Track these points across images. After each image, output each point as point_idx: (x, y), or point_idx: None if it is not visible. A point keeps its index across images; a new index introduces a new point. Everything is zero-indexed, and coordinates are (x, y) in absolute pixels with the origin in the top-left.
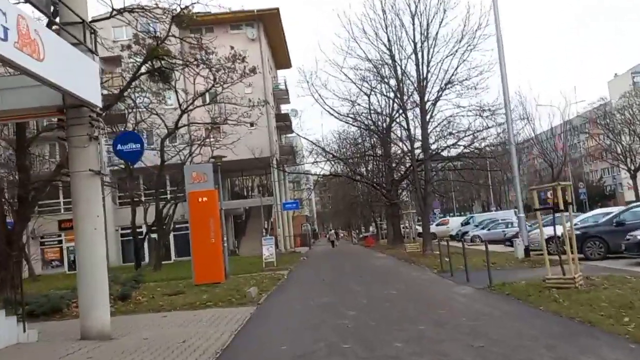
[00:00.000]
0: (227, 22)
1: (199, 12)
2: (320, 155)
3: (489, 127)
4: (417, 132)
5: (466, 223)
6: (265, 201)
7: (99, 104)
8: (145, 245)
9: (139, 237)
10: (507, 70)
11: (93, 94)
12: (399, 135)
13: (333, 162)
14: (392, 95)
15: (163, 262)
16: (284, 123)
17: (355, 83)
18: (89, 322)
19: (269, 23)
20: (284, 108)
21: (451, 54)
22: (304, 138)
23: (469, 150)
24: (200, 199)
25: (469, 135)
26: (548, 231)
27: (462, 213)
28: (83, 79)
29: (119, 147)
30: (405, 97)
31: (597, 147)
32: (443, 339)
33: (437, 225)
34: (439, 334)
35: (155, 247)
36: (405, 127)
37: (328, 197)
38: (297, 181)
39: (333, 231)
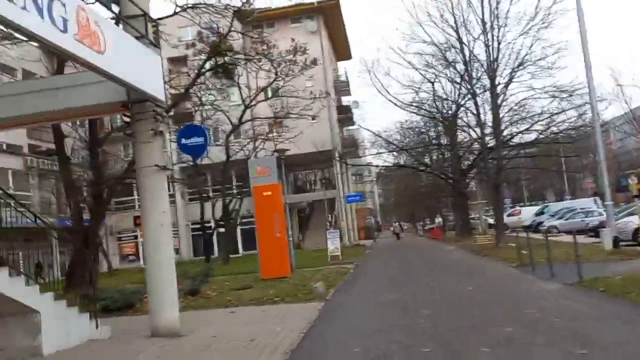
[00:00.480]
0: (287, 15)
1: (259, 8)
2: (383, 147)
3: (565, 110)
4: (486, 118)
5: (540, 213)
6: (328, 194)
7: (163, 98)
8: (215, 239)
9: (208, 231)
10: (589, 47)
11: (156, 88)
12: (467, 122)
13: (396, 154)
14: (458, 79)
15: (231, 256)
16: (345, 115)
17: (418, 70)
18: (158, 319)
19: (329, 15)
20: (345, 100)
21: (524, 33)
22: (366, 129)
23: (544, 135)
24: (264, 193)
25: (545, 119)
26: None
27: (534, 203)
28: (146, 72)
29: (182, 141)
30: (474, 81)
31: None
32: (537, 344)
33: (508, 215)
34: (531, 338)
35: (223, 241)
36: (475, 112)
37: (391, 190)
38: (359, 174)
39: (397, 223)
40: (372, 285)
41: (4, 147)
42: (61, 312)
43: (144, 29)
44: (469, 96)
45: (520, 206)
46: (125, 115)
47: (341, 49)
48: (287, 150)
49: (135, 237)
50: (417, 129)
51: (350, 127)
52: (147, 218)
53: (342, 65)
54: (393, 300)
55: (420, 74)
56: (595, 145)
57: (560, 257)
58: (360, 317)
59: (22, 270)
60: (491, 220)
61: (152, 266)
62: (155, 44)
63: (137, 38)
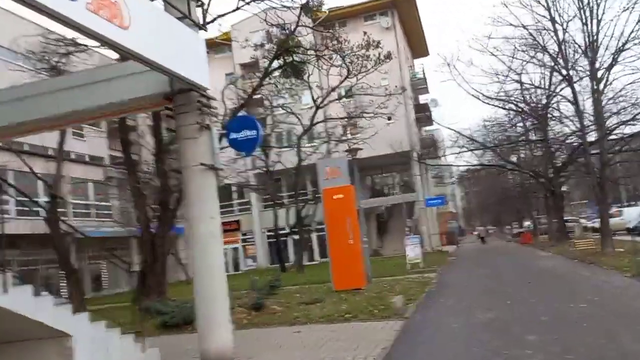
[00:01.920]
0: (360, 13)
1: (331, 7)
2: (465, 146)
3: None
4: (585, 107)
5: None
6: (407, 198)
7: (208, 86)
8: (290, 246)
9: (281, 238)
10: None
11: (200, 75)
12: (561, 113)
13: (480, 153)
14: (551, 65)
15: (307, 263)
16: (423, 114)
17: (503, 57)
18: (207, 343)
19: (403, 9)
20: (423, 98)
21: (628, 8)
22: (447, 127)
23: None
24: (335, 196)
25: None
26: None
27: (633, 203)
28: (188, 57)
29: (232, 135)
30: (570, 65)
31: None
32: None
33: None
34: None
35: (297, 248)
36: (572, 100)
37: (474, 192)
38: (440, 176)
39: (483, 228)
40: (459, 300)
41: (87, 158)
42: (99, 335)
43: (187, 8)
44: (564, 83)
45: (619, 207)
46: (168, 109)
47: (417, 45)
48: (359, 149)
49: None
50: (502, 125)
51: (429, 128)
52: (194, 225)
53: (418, 62)
54: (487, 320)
55: (505, 64)
56: None
57: None
58: (447, 343)
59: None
60: (587, 223)
61: (200, 280)
62: (201, 25)
63: (178, 19)
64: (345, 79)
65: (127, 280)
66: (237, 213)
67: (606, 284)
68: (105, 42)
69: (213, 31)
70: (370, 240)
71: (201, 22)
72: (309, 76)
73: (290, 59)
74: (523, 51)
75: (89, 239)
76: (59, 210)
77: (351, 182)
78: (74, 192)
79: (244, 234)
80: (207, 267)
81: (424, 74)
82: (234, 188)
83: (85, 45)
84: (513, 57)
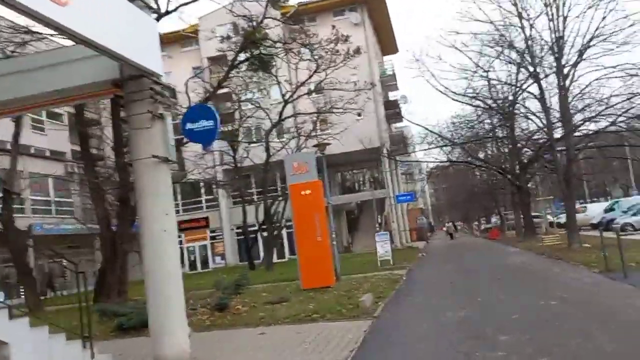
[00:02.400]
0: (329, 8)
1: (300, 2)
2: (433, 143)
3: None
4: (551, 104)
5: (610, 209)
6: (377, 194)
7: (161, 72)
8: (260, 243)
9: (250, 236)
10: None
11: (152, 60)
12: (528, 109)
13: (448, 149)
14: (518, 61)
15: (278, 261)
16: (393, 111)
17: (471, 53)
18: (162, 348)
19: (373, 5)
20: (393, 95)
21: (594, 5)
22: (416, 124)
23: (625, 118)
24: (303, 192)
25: (624, 101)
26: None
27: (595, 200)
28: (137, 40)
29: (188, 126)
30: (537, 60)
31: None
32: None
33: None
34: None
35: (266, 246)
36: (539, 97)
37: (443, 189)
38: (409, 173)
39: (451, 223)
40: (429, 298)
41: (47, 152)
42: (40, 341)
43: None
44: (531, 80)
45: (582, 203)
46: (118, 97)
47: (387, 42)
48: (328, 144)
49: (180, 242)
50: (470, 122)
51: (399, 125)
52: (147, 222)
53: (388, 59)
54: (458, 320)
55: (472, 61)
56: None
57: None
58: (417, 345)
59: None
60: (552, 218)
61: (153, 281)
62: (152, 7)
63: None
64: (314, 73)
65: (91, 280)
66: (205, 210)
67: (575, 280)
68: (39, 20)
69: (179, 23)
70: (341, 237)
71: (158, 6)
72: (277, 70)
73: (258, 51)
74: (491, 47)
75: (50, 236)
76: (14, 206)
77: (320, 178)
78: (33, 188)
79: (213, 231)
80: (161, 267)
81: (393, 70)
82: (201, 184)
83: (40, 33)
84: (481, 53)
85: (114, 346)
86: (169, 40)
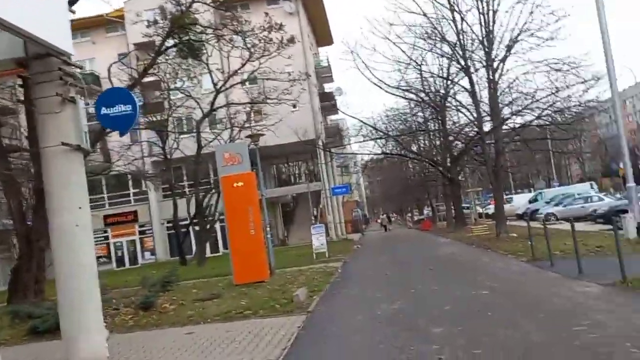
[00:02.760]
0: None
1: None
2: (368, 135)
3: (569, 86)
4: (482, 96)
5: (534, 200)
6: (312, 187)
7: (71, 51)
8: (193, 238)
9: (182, 230)
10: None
11: (60, 38)
12: (459, 103)
13: (383, 142)
14: (450, 54)
15: (211, 255)
16: (328, 102)
17: (405, 45)
18: (76, 352)
19: None
20: (328, 87)
21: (521, 0)
22: (351, 117)
23: (550, 112)
24: (235, 184)
25: (549, 95)
26: None
27: (519, 191)
28: (43, 15)
29: (103, 111)
30: (468, 54)
31: None
32: None
33: None
34: None
35: (198, 240)
36: (470, 90)
37: (377, 181)
38: (345, 165)
39: (385, 215)
40: (364, 290)
41: None
42: None
43: None
44: (462, 73)
45: (508, 194)
46: (21, 78)
47: (322, 33)
48: (262, 135)
49: (106, 237)
50: (404, 115)
51: (335, 117)
52: (57, 216)
53: (323, 51)
54: (392, 312)
55: (406, 54)
56: (581, 132)
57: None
58: (352, 340)
59: None
60: (480, 209)
61: (65, 281)
62: None
63: None
64: (247, 62)
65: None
66: (133, 204)
67: (504, 270)
68: None
69: (103, 7)
70: (276, 230)
71: None
72: (207, 58)
73: (187, 37)
74: (423, 39)
75: None
76: None
77: (253, 170)
78: None
79: (142, 226)
80: (74, 264)
81: (328, 62)
82: (129, 176)
83: None
84: (414, 47)
85: (27, 351)
86: (92, 25)
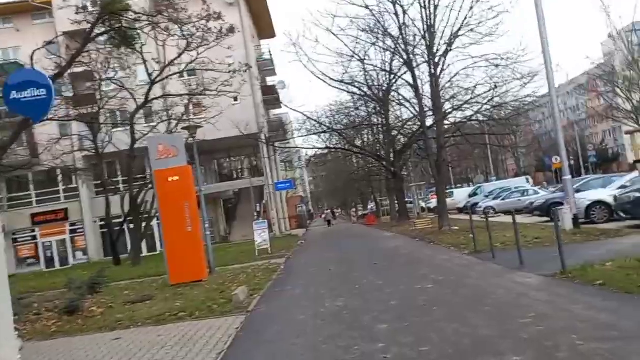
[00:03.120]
0: None
1: None
2: (312, 130)
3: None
4: (424, 90)
5: (474, 194)
6: (255, 182)
7: None
8: (128, 236)
9: (115, 228)
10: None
11: None
12: (403, 97)
13: (327, 136)
14: (392, 48)
15: (148, 254)
16: (271, 96)
17: (346, 45)
18: None
19: None
20: (271, 80)
21: None
22: (295, 110)
23: (489, 106)
24: (170, 179)
25: (489, 91)
26: (593, 195)
27: (459, 186)
28: None
29: (13, 95)
30: (410, 49)
31: (605, 107)
32: None
33: None
34: None
35: (133, 239)
36: (412, 84)
37: (322, 176)
38: (289, 160)
39: (329, 210)
40: (307, 287)
41: None
42: None
43: None
44: (405, 67)
45: (449, 189)
46: None
47: (263, 26)
48: (199, 126)
49: (34, 237)
50: (346, 110)
51: (278, 112)
52: None
53: (265, 44)
54: (336, 310)
55: (349, 47)
56: (517, 126)
57: (514, 240)
58: (293, 341)
59: None
60: (423, 204)
61: None
62: None
63: None
64: (184, 51)
65: None
66: (63, 201)
67: (448, 262)
68: None
69: None
70: (218, 227)
71: None
72: (142, 46)
73: (119, 25)
74: (367, 32)
75: None
76: None
77: (190, 163)
78: None
79: (73, 224)
80: None
81: (270, 55)
82: (58, 172)
83: None
84: (357, 38)
85: None
86: (17, 11)
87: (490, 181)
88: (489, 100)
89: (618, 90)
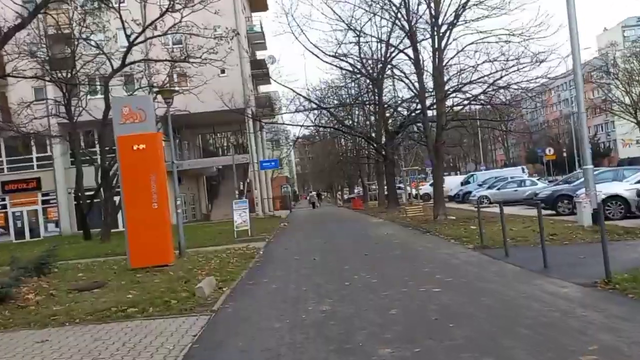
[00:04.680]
0: None
1: None
2: (301, 106)
3: (518, 59)
4: (426, 66)
5: (466, 182)
6: (239, 159)
7: None
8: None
9: (87, 201)
10: None
11: None
12: (402, 72)
13: (316, 114)
14: (394, 14)
15: (120, 230)
16: (260, 70)
17: (339, 17)
18: None
19: None
20: (261, 54)
21: None
22: (284, 86)
23: (495, 87)
24: (135, 147)
25: (496, 72)
26: (609, 189)
27: (448, 173)
28: None
29: None
30: (414, 19)
31: (602, 100)
32: None
33: (430, 185)
34: None
35: (104, 212)
36: (412, 57)
37: (309, 158)
38: (276, 139)
39: (314, 193)
40: (287, 281)
41: None
42: None
43: None
44: (406, 40)
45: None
46: None
47: None
48: (175, 91)
49: (4, 206)
50: (338, 88)
51: (267, 89)
52: None
53: (257, 16)
54: (320, 318)
55: (346, 17)
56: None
57: (523, 235)
58: None
59: None
60: (414, 190)
61: None
62: None
63: None
64: (167, 12)
65: None
66: (36, 169)
67: (453, 258)
68: None
69: None
70: (199, 204)
71: None
72: (119, 4)
73: None
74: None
75: None
76: None
77: (162, 131)
78: None
79: (45, 195)
80: None
81: (261, 27)
82: (32, 138)
83: None
84: (355, 6)
85: None
86: None
87: (480, 170)
88: (497, 80)
89: (618, 83)
